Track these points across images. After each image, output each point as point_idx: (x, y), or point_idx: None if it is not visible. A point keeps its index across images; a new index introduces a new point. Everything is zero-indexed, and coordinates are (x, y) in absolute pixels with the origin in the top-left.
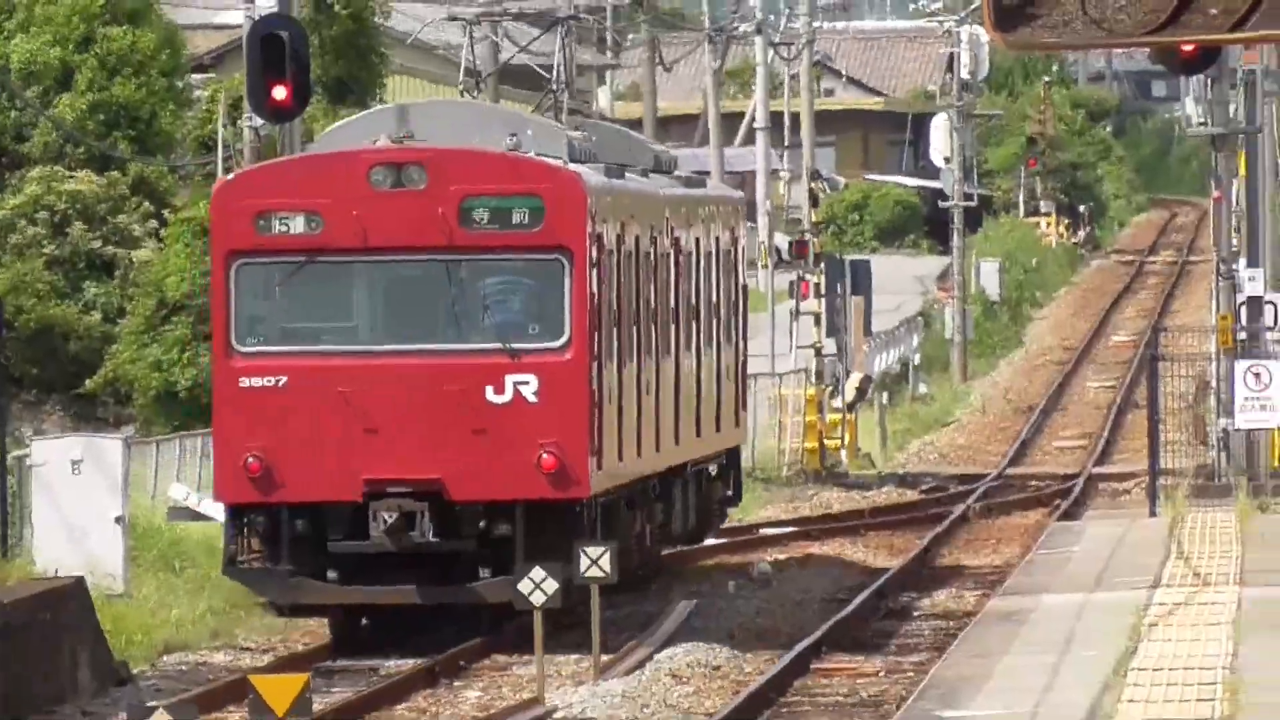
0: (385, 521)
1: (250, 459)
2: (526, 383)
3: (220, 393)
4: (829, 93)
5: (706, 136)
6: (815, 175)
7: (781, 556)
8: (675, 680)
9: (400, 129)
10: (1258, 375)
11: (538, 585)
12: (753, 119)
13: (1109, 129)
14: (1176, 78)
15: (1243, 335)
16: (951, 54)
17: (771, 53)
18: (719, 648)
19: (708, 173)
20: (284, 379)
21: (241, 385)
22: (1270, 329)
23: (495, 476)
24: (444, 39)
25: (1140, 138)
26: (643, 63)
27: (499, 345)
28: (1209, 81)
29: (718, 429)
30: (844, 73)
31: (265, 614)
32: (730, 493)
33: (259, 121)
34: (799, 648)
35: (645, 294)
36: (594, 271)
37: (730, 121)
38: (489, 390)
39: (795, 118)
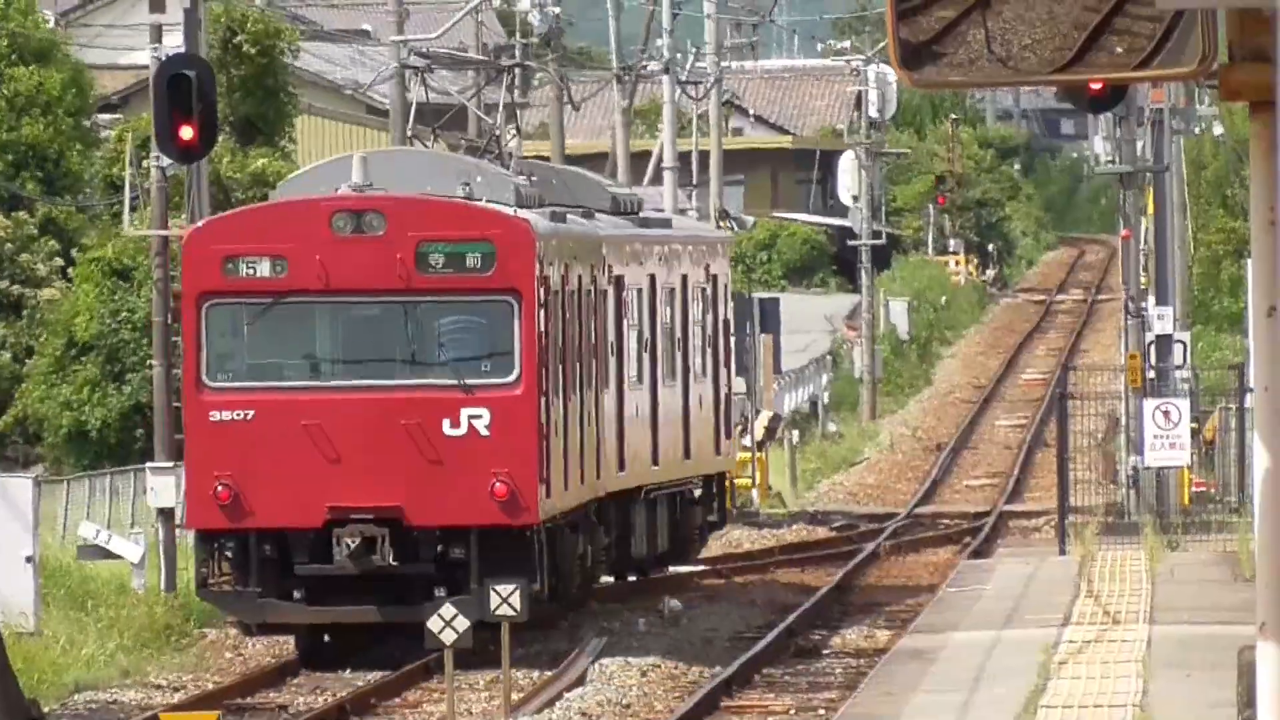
0: (348, 546)
1: (220, 487)
2: (480, 416)
3: (191, 425)
4: (737, 132)
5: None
6: (724, 214)
7: (692, 594)
8: (585, 719)
9: (361, 177)
10: (1167, 413)
11: (448, 623)
12: (660, 158)
13: (1017, 167)
14: (1084, 116)
15: (1152, 374)
16: (859, 92)
17: (679, 92)
18: (629, 686)
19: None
20: (251, 412)
21: (211, 418)
22: (1179, 367)
23: (451, 504)
24: (352, 78)
25: (1049, 176)
26: (550, 102)
27: (454, 381)
28: (1117, 120)
29: (686, 456)
30: (752, 111)
31: (175, 652)
32: (715, 518)
33: (166, 161)
34: (709, 686)
35: (590, 330)
36: (542, 311)
37: (639, 161)
38: (445, 423)
39: (703, 156)
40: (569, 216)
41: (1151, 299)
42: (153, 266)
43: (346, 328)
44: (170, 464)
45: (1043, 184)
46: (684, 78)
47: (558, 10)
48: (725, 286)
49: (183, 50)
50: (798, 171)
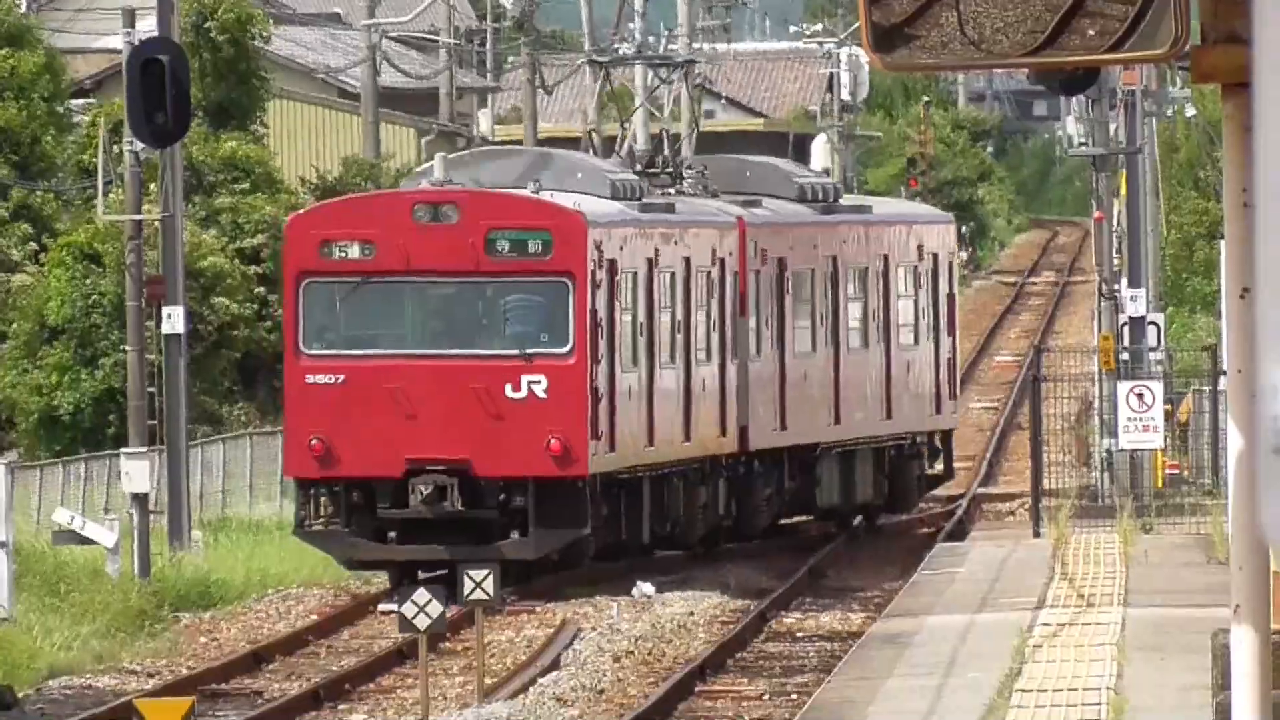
0: (422, 493)
1: (314, 441)
2: (538, 382)
3: (290, 387)
4: (709, 114)
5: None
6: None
7: (664, 578)
8: (560, 704)
9: (441, 173)
10: (1140, 396)
11: (421, 609)
12: (633, 141)
13: (990, 149)
14: (1057, 98)
15: (1125, 356)
16: (831, 75)
17: (652, 74)
18: (603, 670)
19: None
20: (342, 377)
21: (307, 381)
22: (1153, 349)
23: (512, 457)
24: (324, 62)
25: (1021, 158)
26: (523, 85)
27: (516, 351)
28: (1089, 102)
29: (888, 415)
30: (724, 94)
31: (149, 638)
32: (938, 471)
33: (140, 145)
34: (683, 670)
35: (635, 308)
36: (595, 291)
37: (612, 145)
38: (508, 387)
39: (676, 139)
40: (649, 209)
41: (1124, 281)
42: (125, 251)
43: (424, 304)
44: (144, 449)
45: (1015, 166)
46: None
47: None
48: (947, 262)
49: (155, 35)
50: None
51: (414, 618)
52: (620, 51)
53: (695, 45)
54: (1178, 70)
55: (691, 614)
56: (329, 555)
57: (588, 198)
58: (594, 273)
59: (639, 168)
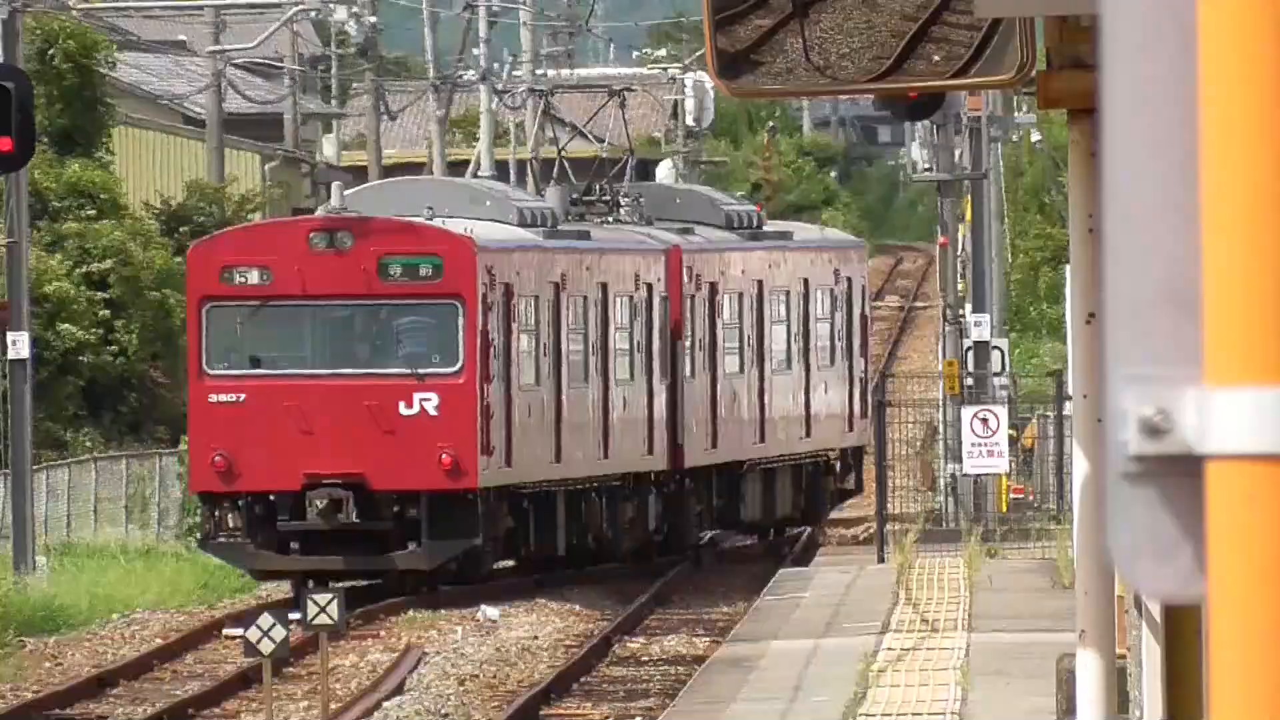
0: (319, 506)
1: (216, 457)
2: (430, 399)
3: (194, 406)
4: (554, 140)
5: None
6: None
7: (509, 603)
8: None
9: (338, 201)
10: (985, 421)
11: (265, 633)
12: (477, 167)
13: (835, 175)
14: (902, 123)
15: (970, 381)
16: (676, 101)
17: (496, 101)
18: (448, 695)
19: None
20: (243, 395)
21: (210, 400)
22: (997, 374)
23: (405, 471)
24: (169, 89)
25: (866, 183)
26: (368, 111)
27: (408, 370)
28: (934, 127)
29: (806, 434)
30: (568, 120)
31: None
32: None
33: None
34: (527, 694)
35: (539, 331)
36: (487, 313)
37: (457, 171)
38: (401, 405)
39: (521, 165)
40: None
41: (969, 306)
42: None
43: (321, 326)
44: None
45: (860, 192)
46: (501, 87)
47: (374, 20)
48: (860, 285)
49: (0, 62)
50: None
51: (258, 642)
52: (464, 78)
53: (539, 72)
54: (1023, 95)
55: (536, 638)
56: (234, 567)
57: (486, 224)
58: (485, 295)
59: (574, 196)
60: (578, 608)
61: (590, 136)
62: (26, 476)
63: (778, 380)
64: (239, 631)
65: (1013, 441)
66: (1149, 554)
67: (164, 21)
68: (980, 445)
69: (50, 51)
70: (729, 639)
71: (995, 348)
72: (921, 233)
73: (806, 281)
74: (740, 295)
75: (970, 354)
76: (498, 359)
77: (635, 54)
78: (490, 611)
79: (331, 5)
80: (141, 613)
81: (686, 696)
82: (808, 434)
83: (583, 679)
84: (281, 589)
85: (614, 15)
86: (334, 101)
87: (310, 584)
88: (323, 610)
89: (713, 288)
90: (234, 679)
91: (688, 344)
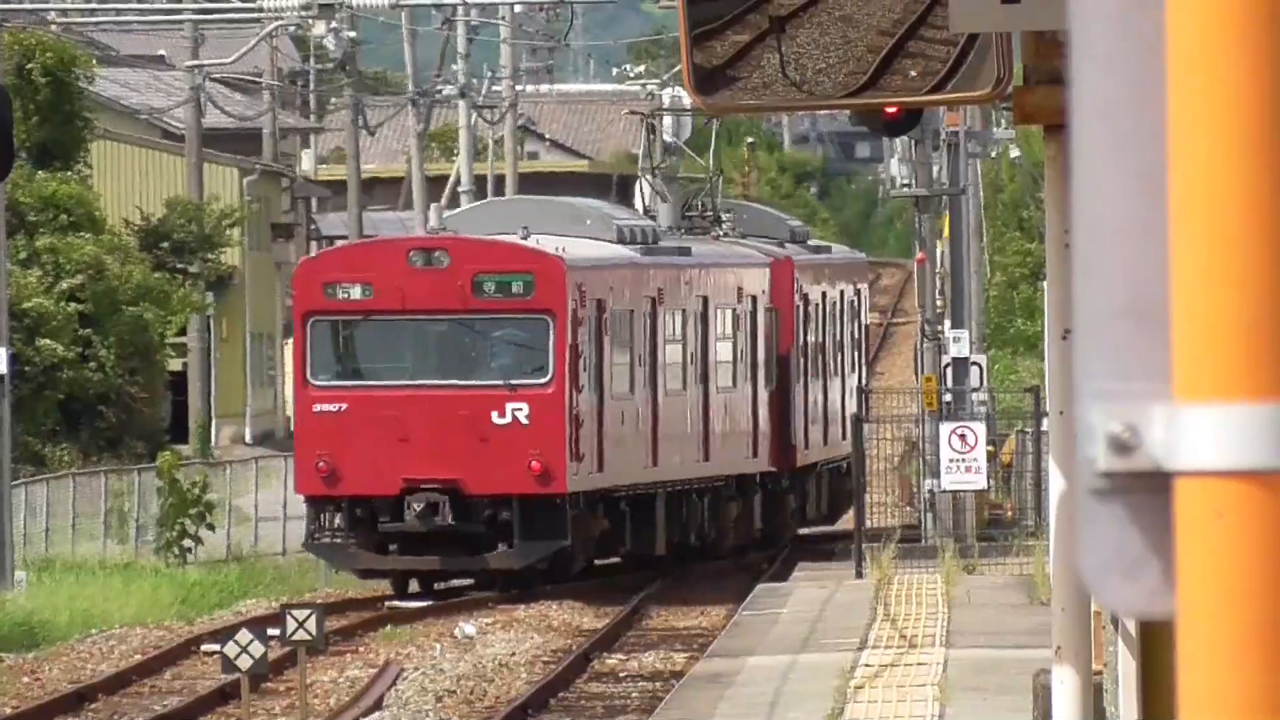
0: (417, 510)
1: (320, 463)
2: (521, 409)
3: (299, 414)
4: (533, 155)
5: (410, 200)
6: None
7: (487, 619)
8: None
9: (436, 221)
10: (963, 437)
11: (244, 649)
12: (457, 182)
13: (814, 191)
14: (881, 139)
15: (948, 397)
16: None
17: (475, 116)
18: (426, 710)
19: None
20: (345, 405)
21: (314, 410)
22: (976, 390)
23: (498, 476)
24: (147, 103)
25: (845, 199)
26: (346, 126)
27: (501, 381)
28: (913, 143)
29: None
30: (548, 136)
31: None
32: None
33: None
34: (505, 710)
35: (633, 343)
36: (577, 327)
37: (436, 185)
38: (494, 414)
39: (500, 181)
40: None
41: (947, 322)
42: None
43: (418, 339)
44: None
45: (839, 208)
46: (480, 102)
47: (353, 35)
48: (865, 298)
49: None
50: (595, 195)
51: (236, 658)
52: (443, 93)
53: (518, 87)
54: (1001, 111)
55: (514, 654)
56: (336, 567)
57: (582, 241)
58: (575, 310)
59: (682, 214)
60: (556, 624)
61: (578, 153)
62: (5, 492)
63: (832, 385)
64: (217, 647)
65: (991, 457)
66: (1117, 570)
67: (143, 36)
68: (958, 461)
69: (29, 65)
70: (706, 654)
71: (974, 364)
72: (900, 248)
73: (842, 294)
74: (819, 306)
75: (949, 370)
76: (588, 370)
77: (615, 70)
78: (468, 628)
79: (310, 20)
80: (120, 628)
81: (663, 712)
82: (843, 436)
83: (561, 694)
84: (263, 604)
85: (592, 32)
86: (313, 116)
87: (413, 583)
88: (301, 626)
89: (806, 299)
90: (212, 695)
91: (799, 353)
